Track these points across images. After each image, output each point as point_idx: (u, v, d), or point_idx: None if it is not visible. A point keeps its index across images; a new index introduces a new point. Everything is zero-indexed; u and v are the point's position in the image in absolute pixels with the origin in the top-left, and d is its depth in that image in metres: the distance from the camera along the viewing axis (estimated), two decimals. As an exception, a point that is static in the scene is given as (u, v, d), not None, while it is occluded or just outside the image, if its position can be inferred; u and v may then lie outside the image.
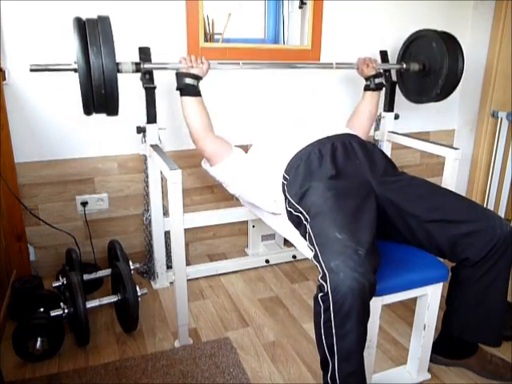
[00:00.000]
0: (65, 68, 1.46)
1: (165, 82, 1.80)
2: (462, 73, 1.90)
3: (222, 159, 1.68)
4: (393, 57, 2.18)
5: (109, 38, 1.36)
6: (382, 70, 2.01)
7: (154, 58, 1.67)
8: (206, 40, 1.93)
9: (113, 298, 1.63)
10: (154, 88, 1.66)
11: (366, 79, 1.97)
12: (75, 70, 1.38)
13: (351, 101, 2.23)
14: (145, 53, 1.66)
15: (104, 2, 1.74)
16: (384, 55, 2.13)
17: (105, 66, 1.34)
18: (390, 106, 2.14)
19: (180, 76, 1.63)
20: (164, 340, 1.59)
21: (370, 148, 1.55)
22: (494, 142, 2.40)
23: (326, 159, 1.45)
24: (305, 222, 1.33)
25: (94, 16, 1.40)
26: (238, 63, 1.79)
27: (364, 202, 1.32)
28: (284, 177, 1.49)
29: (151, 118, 1.70)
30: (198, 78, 1.64)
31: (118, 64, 1.46)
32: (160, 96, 1.77)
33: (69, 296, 1.55)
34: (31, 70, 1.44)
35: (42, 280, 1.78)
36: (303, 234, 1.34)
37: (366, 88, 1.97)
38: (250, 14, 2.25)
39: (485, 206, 2.46)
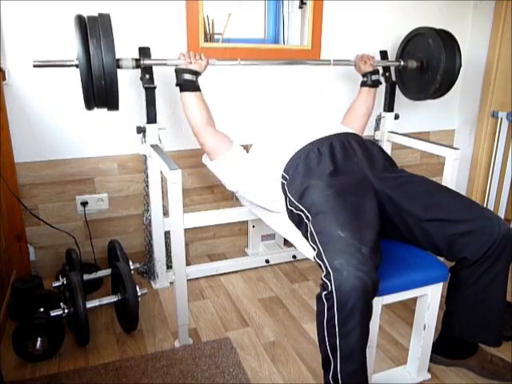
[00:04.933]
0: (66, 64, 1.47)
1: (165, 81, 1.81)
2: (459, 68, 1.90)
3: (221, 154, 1.69)
4: (391, 55, 2.17)
5: (108, 32, 1.38)
6: (379, 67, 2.01)
7: (153, 58, 1.67)
8: (206, 40, 1.94)
9: (113, 298, 1.63)
10: (154, 88, 1.67)
11: (363, 75, 1.98)
12: (76, 66, 1.40)
13: (350, 99, 2.24)
14: (145, 53, 1.66)
15: (104, 1, 1.74)
16: (384, 55, 2.13)
17: (104, 60, 1.36)
18: (390, 106, 2.14)
19: (179, 72, 1.64)
20: (164, 340, 1.59)
21: (368, 146, 1.55)
22: (494, 142, 2.40)
23: (324, 158, 1.45)
24: (306, 220, 1.33)
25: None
26: (237, 60, 1.78)
27: (364, 199, 1.32)
28: (283, 176, 1.49)
29: (151, 118, 1.71)
30: (196, 73, 1.65)
31: (118, 60, 1.48)
32: (160, 96, 1.77)
33: (69, 296, 1.55)
34: (34, 66, 1.46)
35: (42, 280, 1.78)
36: (304, 233, 1.34)
37: (363, 84, 1.98)
38: (250, 14, 2.25)
39: (485, 206, 2.46)
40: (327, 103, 2.25)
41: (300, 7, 2.14)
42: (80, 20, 1.38)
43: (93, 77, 1.37)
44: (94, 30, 1.35)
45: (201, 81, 1.67)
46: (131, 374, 1.40)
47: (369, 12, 2.18)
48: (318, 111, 2.24)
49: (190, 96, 1.65)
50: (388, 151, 2.18)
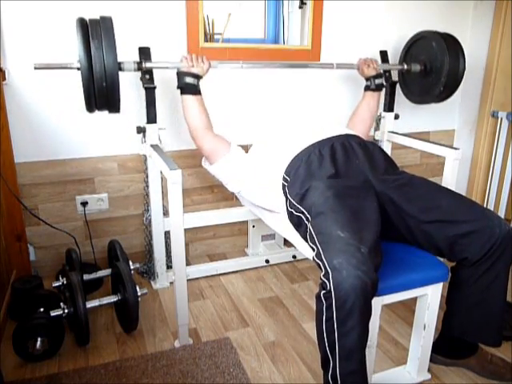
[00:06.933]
0: (68, 66, 1.47)
1: (165, 81, 1.80)
2: (463, 71, 1.90)
3: (221, 157, 1.70)
4: (394, 58, 2.18)
5: (110, 35, 1.38)
6: (382, 71, 2.02)
7: (154, 58, 1.67)
8: (206, 40, 1.93)
9: (113, 298, 1.62)
10: (154, 88, 1.67)
11: (367, 79, 1.99)
12: (78, 69, 1.40)
13: (352, 100, 2.23)
14: (145, 53, 1.66)
15: (104, 2, 1.74)
16: (384, 55, 2.13)
17: (106, 62, 1.36)
18: (389, 105, 2.14)
19: (181, 75, 1.65)
20: (164, 340, 1.59)
21: (369, 147, 1.56)
22: (494, 142, 2.40)
23: (325, 159, 1.45)
24: (306, 221, 1.33)
25: (95, 16, 1.41)
26: (239, 63, 1.79)
27: (365, 200, 1.32)
28: (284, 178, 1.49)
29: (151, 117, 1.71)
30: (198, 77, 1.66)
31: (119, 63, 1.48)
32: (160, 96, 1.77)
33: (69, 296, 1.55)
34: (35, 68, 1.46)
35: (42, 280, 1.78)
36: (304, 234, 1.34)
37: (367, 88, 1.99)
38: (250, 14, 2.25)
39: (485, 206, 2.46)
40: (327, 103, 2.25)
41: (300, 7, 2.14)
42: (82, 23, 1.38)
43: (94, 80, 1.37)
44: (95, 33, 1.36)
45: (201, 80, 1.67)
46: (131, 373, 1.40)
47: (369, 12, 2.18)
48: (318, 111, 2.24)
49: (190, 99, 1.66)
50: (388, 151, 2.18)
